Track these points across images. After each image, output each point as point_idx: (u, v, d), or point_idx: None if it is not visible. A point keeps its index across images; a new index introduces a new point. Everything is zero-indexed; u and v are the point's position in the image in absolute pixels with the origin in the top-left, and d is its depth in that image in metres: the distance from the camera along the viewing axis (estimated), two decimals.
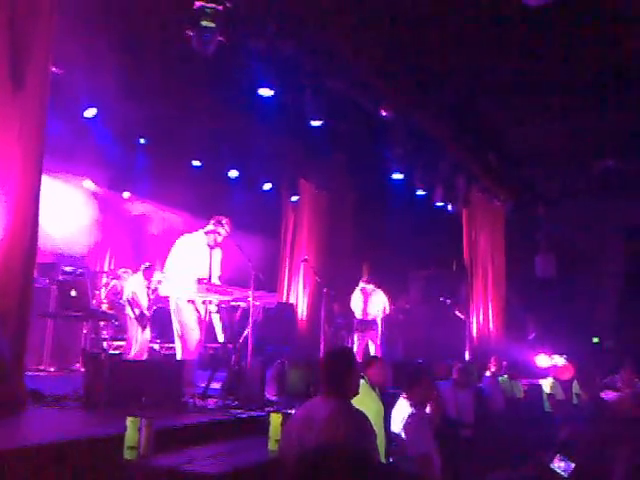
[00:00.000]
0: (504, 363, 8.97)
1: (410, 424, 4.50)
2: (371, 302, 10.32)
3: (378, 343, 10.22)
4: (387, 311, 10.45)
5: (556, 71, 8.95)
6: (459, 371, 7.43)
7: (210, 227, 6.55)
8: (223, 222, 6.59)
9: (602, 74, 8.90)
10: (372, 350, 10.05)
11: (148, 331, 8.75)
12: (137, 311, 8.62)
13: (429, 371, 5.75)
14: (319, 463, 1.28)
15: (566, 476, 2.93)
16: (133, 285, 8.87)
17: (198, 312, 6.39)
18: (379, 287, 10.48)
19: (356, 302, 10.39)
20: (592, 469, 2.95)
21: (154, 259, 10.28)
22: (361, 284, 10.44)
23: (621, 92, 9.35)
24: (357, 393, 3.66)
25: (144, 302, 8.73)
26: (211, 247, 6.59)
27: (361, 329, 10.15)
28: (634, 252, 13.87)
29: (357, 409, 3.50)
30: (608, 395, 6.98)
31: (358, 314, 10.29)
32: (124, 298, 9.03)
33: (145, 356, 8.56)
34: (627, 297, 13.75)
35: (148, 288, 8.90)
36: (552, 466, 3.01)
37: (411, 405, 4.67)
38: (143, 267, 8.98)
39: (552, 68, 8.87)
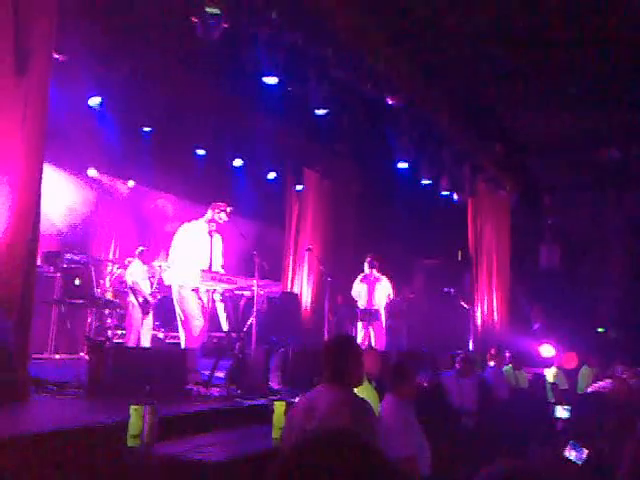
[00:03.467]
0: (507, 353, 8.96)
1: (394, 420, 4.18)
2: (376, 291, 10.24)
3: (383, 333, 10.17)
4: (391, 297, 10.35)
5: (563, 60, 8.88)
6: (462, 360, 7.42)
7: (210, 214, 6.54)
8: (228, 210, 6.58)
9: (610, 63, 8.82)
10: (373, 340, 9.99)
11: (150, 318, 8.74)
12: (140, 299, 8.62)
13: (416, 366, 5.56)
14: (320, 449, 1.25)
15: (579, 464, 2.91)
16: (132, 272, 8.86)
17: (201, 300, 6.39)
18: (382, 273, 10.37)
19: (359, 291, 10.31)
20: (597, 457, 2.95)
21: (159, 248, 10.29)
22: (366, 270, 10.31)
23: (629, 82, 9.28)
24: (360, 382, 3.62)
25: (146, 288, 8.71)
26: (212, 235, 6.58)
27: (366, 319, 10.09)
28: (638, 243, 13.81)
29: (360, 398, 3.48)
30: (604, 384, 6.94)
31: (361, 303, 10.21)
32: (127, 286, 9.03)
33: (148, 343, 8.58)
34: (631, 287, 13.71)
35: (152, 275, 8.88)
36: (565, 454, 2.99)
37: (398, 403, 4.35)
38: (137, 252, 8.90)
39: (559, 57, 8.80)
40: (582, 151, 12.11)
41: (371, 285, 10.26)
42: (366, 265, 10.22)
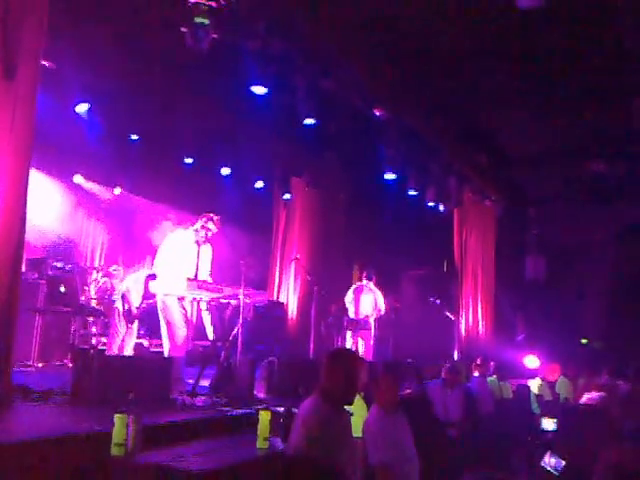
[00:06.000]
0: (492, 364, 9.00)
1: (371, 429, 4.27)
2: (363, 301, 10.29)
3: (370, 343, 10.20)
4: (382, 312, 10.41)
5: (549, 73, 8.98)
6: (448, 370, 7.45)
7: (199, 224, 6.55)
8: (215, 219, 6.59)
9: (594, 77, 8.94)
10: (360, 350, 10.01)
11: (135, 327, 8.70)
12: (126, 306, 8.57)
13: (395, 375, 5.57)
14: (279, 466, 1.31)
15: (557, 474, 2.93)
16: (129, 282, 8.81)
17: (185, 309, 6.37)
18: (376, 285, 10.48)
19: (349, 300, 10.39)
20: (579, 467, 2.97)
21: (144, 255, 10.25)
22: (363, 282, 10.43)
23: (613, 95, 9.40)
24: (347, 401, 3.53)
25: (135, 301, 8.68)
26: (199, 244, 6.57)
27: (352, 328, 10.12)
28: (623, 254, 13.95)
29: (338, 411, 3.48)
30: (593, 396, 7.02)
31: (351, 312, 10.27)
32: (117, 293, 8.96)
33: (130, 352, 8.52)
34: (616, 299, 13.83)
35: (145, 291, 8.79)
36: (542, 464, 3.01)
37: (379, 412, 4.43)
38: (147, 274, 8.74)
39: (544, 70, 8.91)
40: (568, 163, 12.24)
41: (366, 296, 10.33)
42: (364, 278, 10.36)
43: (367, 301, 10.32)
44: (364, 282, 10.41)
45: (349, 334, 10.14)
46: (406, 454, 4.32)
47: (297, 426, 3.41)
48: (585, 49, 8.26)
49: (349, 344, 10.02)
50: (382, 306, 10.39)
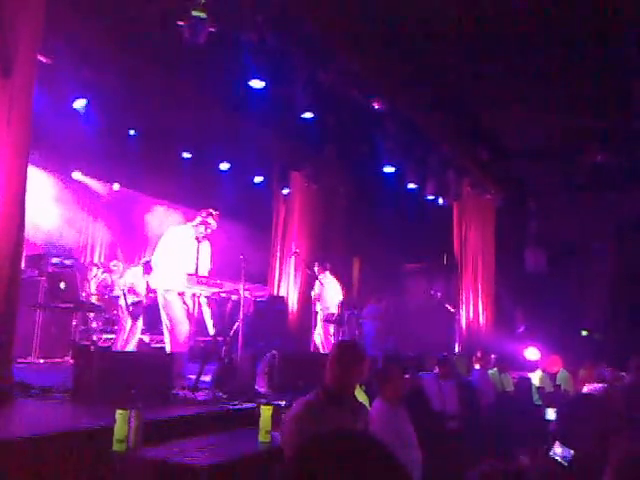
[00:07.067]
0: (492, 356, 8.99)
1: (376, 422, 4.22)
2: (330, 294, 10.16)
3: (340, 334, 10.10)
4: (341, 299, 10.27)
5: (547, 66, 8.96)
6: (439, 363, 7.42)
7: (199, 220, 6.53)
8: (214, 214, 6.57)
9: (593, 69, 8.92)
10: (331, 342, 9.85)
11: (140, 323, 8.72)
12: (130, 301, 8.59)
13: (400, 365, 5.57)
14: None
15: (566, 464, 2.91)
16: (131, 276, 8.83)
17: (187, 305, 6.36)
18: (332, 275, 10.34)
19: (316, 297, 10.22)
20: (587, 459, 2.95)
21: (144, 251, 10.25)
22: (320, 275, 10.19)
23: (613, 87, 9.38)
24: (332, 388, 3.43)
25: (140, 294, 8.70)
26: (199, 240, 6.56)
27: (333, 321, 10.02)
28: (623, 247, 13.95)
29: (338, 405, 3.46)
30: (595, 387, 7.02)
31: (319, 308, 10.11)
32: (119, 288, 8.98)
33: (134, 348, 8.53)
34: (616, 291, 13.83)
35: (147, 283, 8.84)
36: (551, 454, 2.99)
37: (383, 406, 4.45)
38: (143, 261, 8.90)
39: (544, 63, 8.88)
40: (567, 155, 12.22)
41: (329, 288, 10.19)
42: (316, 269, 10.11)
43: (332, 294, 10.16)
44: (320, 276, 10.16)
45: (319, 328, 9.98)
46: (409, 446, 4.33)
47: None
48: (587, 41, 8.24)
49: (318, 340, 9.89)
50: (340, 294, 10.25)
